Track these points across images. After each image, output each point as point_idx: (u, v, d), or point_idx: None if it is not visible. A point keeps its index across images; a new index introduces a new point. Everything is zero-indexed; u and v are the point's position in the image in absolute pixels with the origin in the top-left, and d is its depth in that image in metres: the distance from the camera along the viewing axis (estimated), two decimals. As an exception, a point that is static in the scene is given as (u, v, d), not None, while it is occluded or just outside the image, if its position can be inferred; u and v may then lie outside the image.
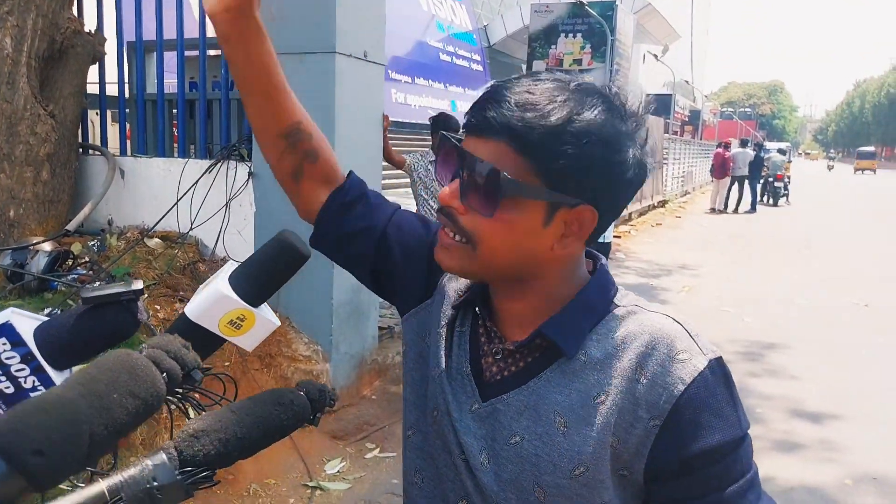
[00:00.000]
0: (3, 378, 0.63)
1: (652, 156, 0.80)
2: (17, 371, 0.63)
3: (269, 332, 0.72)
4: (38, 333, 0.64)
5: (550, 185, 0.73)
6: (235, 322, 0.69)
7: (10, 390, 0.63)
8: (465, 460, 0.83)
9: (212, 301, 0.68)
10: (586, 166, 0.73)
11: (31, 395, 0.63)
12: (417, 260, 0.95)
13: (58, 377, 0.64)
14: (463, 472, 0.83)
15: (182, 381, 0.58)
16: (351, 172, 0.99)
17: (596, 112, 0.73)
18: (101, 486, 0.52)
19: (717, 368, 0.75)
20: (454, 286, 0.92)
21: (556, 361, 0.79)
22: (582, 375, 0.77)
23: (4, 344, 0.63)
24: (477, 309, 0.88)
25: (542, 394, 0.79)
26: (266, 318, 0.71)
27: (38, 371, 0.63)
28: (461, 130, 0.80)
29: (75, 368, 0.69)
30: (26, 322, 0.64)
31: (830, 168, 43.89)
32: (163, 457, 0.56)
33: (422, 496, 0.90)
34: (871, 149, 45.11)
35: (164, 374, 0.55)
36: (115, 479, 0.53)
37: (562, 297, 0.81)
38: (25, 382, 0.63)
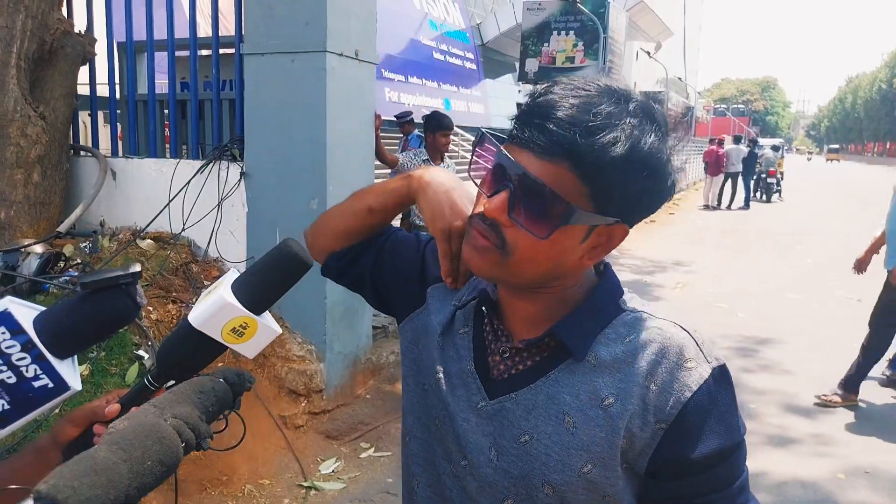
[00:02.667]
0: (5, 367, 0.63)
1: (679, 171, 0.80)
2: (17, 360, 0.63)
3: (271, 339, 0.73)
4: (39, 321, 0.65)
5: (601, 210, 0.74)
6: (238, 330, 0.70)
7: (13, 380, 0.63)
8: (469, 463, 0.83)
9: (215, 309, 0.69)
10: (637, 195, 0.74)
11: (34, 384, 0.64)
12: (411, 267, 0.98)
13: (60, 366, 0.65)
14: (465, 476, 0.84)
15: (195, 447, 0.64)
16: None
17: (652, 139, 0.73)
18: None
19: (720, 376, 0.78)
20: (451, 293, 0.93)
21: (565, 361, 0.81)
22: (591, 377, 0.79)
23: (4, 333, 0.63)
24: (484, 308, 0.88)
25: (551, 393, 0.80)
26: (268, 325, 0.72)
27: (39, 359, 0.64)
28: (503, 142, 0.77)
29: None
30: (24, 311, 0.65)
31: (809, 159, 65.05)
32: None
33: None
34: (836, 146, 70.68)
35: (184, 444, 0.61)
36: None
37: (574, 298, 0.83)
38: (27, 371, 0.63)
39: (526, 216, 0.73)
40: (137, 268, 0.68)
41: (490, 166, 0.78)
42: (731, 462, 0.77)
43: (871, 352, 4.19)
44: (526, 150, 0.73)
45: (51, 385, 0.65)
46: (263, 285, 0.72)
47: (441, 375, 0.88)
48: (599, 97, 0.73)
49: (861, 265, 4.46)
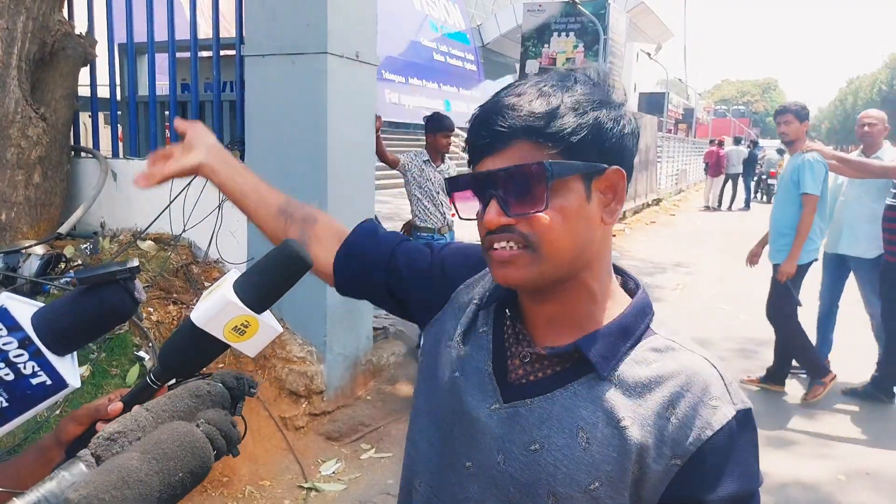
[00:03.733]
0: (2, 364, 0.62)
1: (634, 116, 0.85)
2: (15, 357, 0.62)
3: (272, 338, 0.73)
4: (37, 318, 0.64)
5: (577, 159, 0.77)
6: (239, 328, 0.70)
7: (10, 377, 0.63)
8: (474, 465, 0.82)
9: (217, 307, 0.70)
10: (598, 129, 0.77)
11: (32, 381, 0.63)
12: (430, 274, 0.98)
13: (58, 363, 0.64)
14: (469, 477, 0.83)
15: (226, 453, 0.63)
16: (360, 224, 1.07)
17: (580, 85, 0.79)
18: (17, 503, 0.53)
19: (744, 419, 0.76)
20: (473, 292, 0.93)
21: (586, 376, 0.79)
22: (611, 397, 0.77)
23: (1, 329, 0.62)
24: (507, 310, 0.88)
25: (568, 406, 0.78)
26: (269, 324, 0.72)
27: (36, 356, 0.63)
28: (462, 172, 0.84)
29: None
30: (22, 307, 0.64)
31: None
32: (81, 467, 0.56)
33: None
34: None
35: (215, 452, 0.60)
36: (33, 495, 0.53)
37: (604, 312, 0.82)
38: (24, 368, 0.63)
39: (521, 203, 0.76)
40: (135, 262, 0.68)
41: (471, 194, 0.81)
42: None
43: (794, 348, 4.25)
44: (486, 157, 0.79)
45: (49, 382, 0.64)
46: (265, 284, 0.73)
47: (456, 375, 0.87)
48: (522, 84, 0.81)
49: (753, 257, 4.60)
